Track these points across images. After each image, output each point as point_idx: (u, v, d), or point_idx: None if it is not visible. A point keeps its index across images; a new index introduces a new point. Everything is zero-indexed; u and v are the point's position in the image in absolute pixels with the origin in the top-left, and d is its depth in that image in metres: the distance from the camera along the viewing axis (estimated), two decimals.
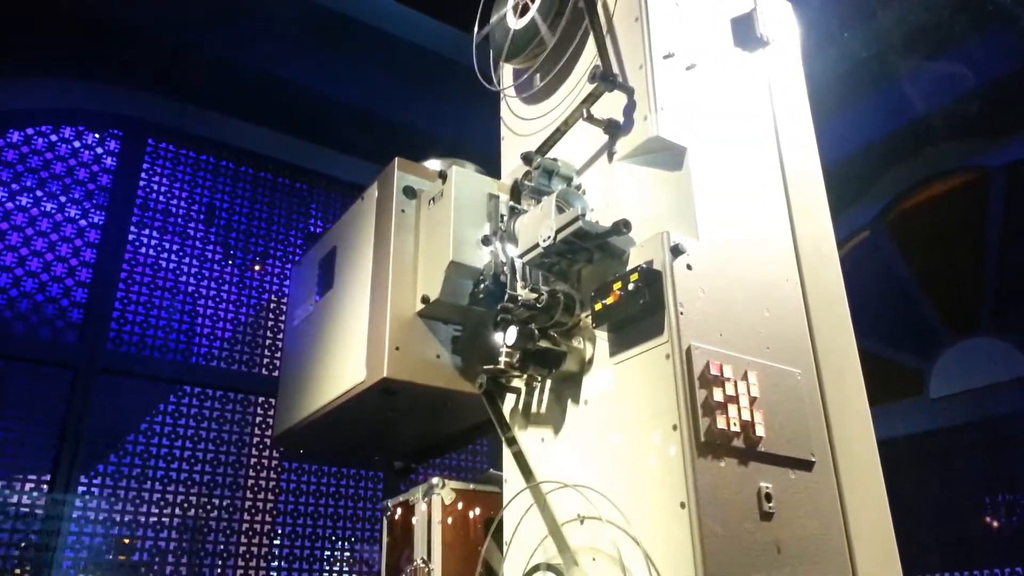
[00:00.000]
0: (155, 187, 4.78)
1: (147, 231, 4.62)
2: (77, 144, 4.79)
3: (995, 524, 5.52)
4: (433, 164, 2.83)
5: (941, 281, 6.02)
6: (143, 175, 4.76)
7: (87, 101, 4.79)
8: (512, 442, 2.21)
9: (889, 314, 6.02)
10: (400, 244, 2.59)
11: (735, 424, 1.78)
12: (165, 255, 4.59)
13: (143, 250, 4.52)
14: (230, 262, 4.80)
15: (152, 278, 4.44)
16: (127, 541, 3.85)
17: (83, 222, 4.50)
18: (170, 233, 4.67)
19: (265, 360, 4.52)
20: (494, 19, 2.74)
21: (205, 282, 4.64)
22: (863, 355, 2.28)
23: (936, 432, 5.67)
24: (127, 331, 4.24)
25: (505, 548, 2.12)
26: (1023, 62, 5.25)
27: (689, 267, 1.95)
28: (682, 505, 1.67)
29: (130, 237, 4.52)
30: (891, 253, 6.35)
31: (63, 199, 4.53)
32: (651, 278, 1.90)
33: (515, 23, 2.58)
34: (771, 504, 1.77)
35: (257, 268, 4.92)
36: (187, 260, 4.62)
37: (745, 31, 2.47)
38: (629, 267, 2.00)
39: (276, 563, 4.08)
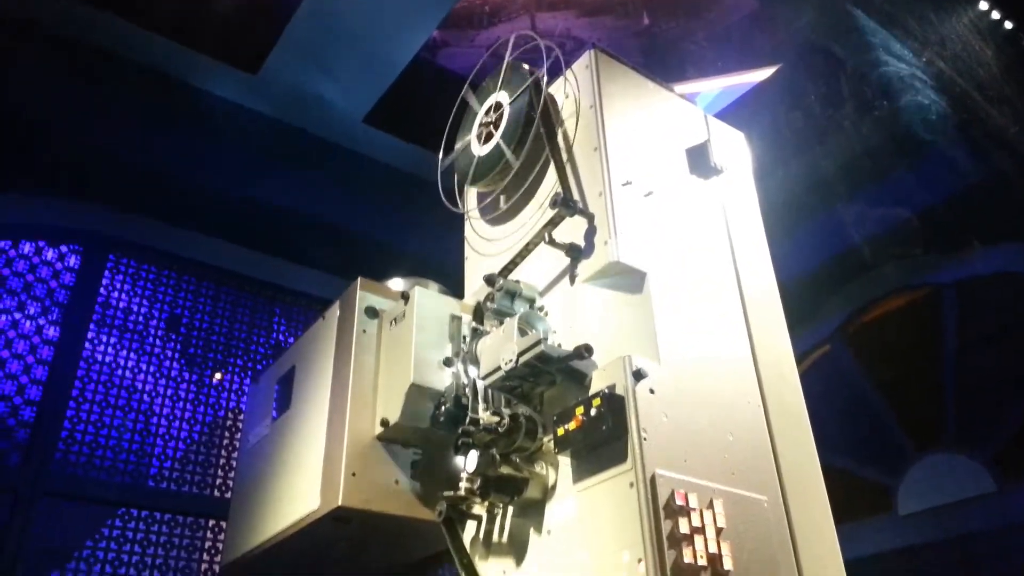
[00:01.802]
0: (114, 302, 4.72)
1: (103, 347, 4.52)
2: (36, 259, 4.74)
3: None
4: (396, 284, 2.83)
5: (904, 395, 6.10)
6: (102, 289, 4.70)
7: (48, 216, 4.78)
8: (471, 573, 2.12)
9: (854, 429, 6.05)
10: (360, 365, 2.55)
11: (702, 557, 1.73)
12: (120, 371, 4.48)
13: (97, 367, 4.41)
14: (187, 377, 4.70)
15: (105, 395, 4.31)
16: None
17: (36, 338, 4.40)
18: (127, 349, 4.57)
19: (218, 481, 4.36)
20: (459, 146, 2.82)
21: (160, 399, 4.52)
22: (828, 471, 2.26)
23: (906, 550, 5.60)
24: (75, 451, 4.07)
25: None
26: (959, 188, 5.54)
27: (652, 391, 1.94)
28: None
29: (85, 353, 4.41)
30: (851, 367, 6.43)
31: (17, 315, 4.44)
32: (614, 403, 1.88)
33: (479, 150, 2.65)
34: None
35: (218, 376, 4.80)
36: (142, 376, 4.51)
37: (700, 160, 2.56)
38: (592, 391, 1.98)
39: None
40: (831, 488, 2.23)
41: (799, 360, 2.50)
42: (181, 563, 4.03)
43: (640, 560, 1.69)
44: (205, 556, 4.10)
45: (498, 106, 2.65)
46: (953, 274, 5.96)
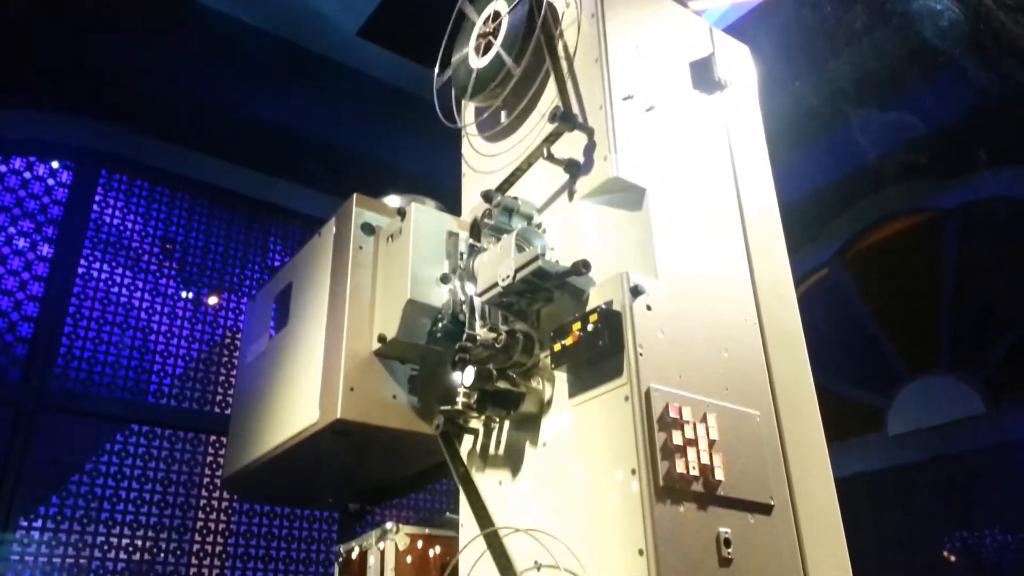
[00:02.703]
0: (108, 219, 4.67)
1: (98, 264, 4.50)
2: (28, 175, 4.67)
3: (952, 559, 5.57)
4: (392, 200, 2.80)
5: (899, 319, 6.13)
6: (95, 207, 4.65)
7: (39, 131, 4.69)
8: (467, 484, 2.16)
9: (848, 352, 6.10)
10: (357, 281, 2.54)
11: (694, 468, 1.76)
12: (116, 289, 4.47)
13: (93, 284, 4.39)
14: (184, 296, 4.69)
15: (102, 313, 4.31)
16: None
17: (31, 255, 4.37)
18: (122, 266, 4.55)
19: (217, 398, 4.40)
20: (456, 59, 2.74)
21: (157, 317, 4.52)
22: (822, 393, 2.29)
23: (894, 469, 5.72)
24: (74, 367, 4.10)
25: None
26: (970, 107, 5.42)
27: (648, 308, 1.94)
28: (640, 552, 1.63)
29: (80, 270, 4.40)
30: (849, 291, 6.45)
31: (11, 231, 4.40)
32: (610, 319, 1.88)
33: (477, 62, 2.58)
34: (730, 550, 1.74)
35: (213, 302, 4.81)
36: (139, 294, 4.50)
37: (703, 74, 2.50)
38: (588, 307, 1.98)
39: None
40: (823, 409, 2.26)
41: (799, 282, 2.49)
42: (183, 477, 4.11)
43: (634, 470, 1.72)
44: (207, 471, 4.18)
45: (496, 16, 2.57)
46: (957, 197, 5.90)
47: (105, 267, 4.51)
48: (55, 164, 4.73)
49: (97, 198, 4.68)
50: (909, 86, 5.31)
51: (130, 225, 4.76)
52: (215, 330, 4.70)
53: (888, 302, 6.22)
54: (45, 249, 4.41)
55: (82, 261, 4.43)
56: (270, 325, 3.05)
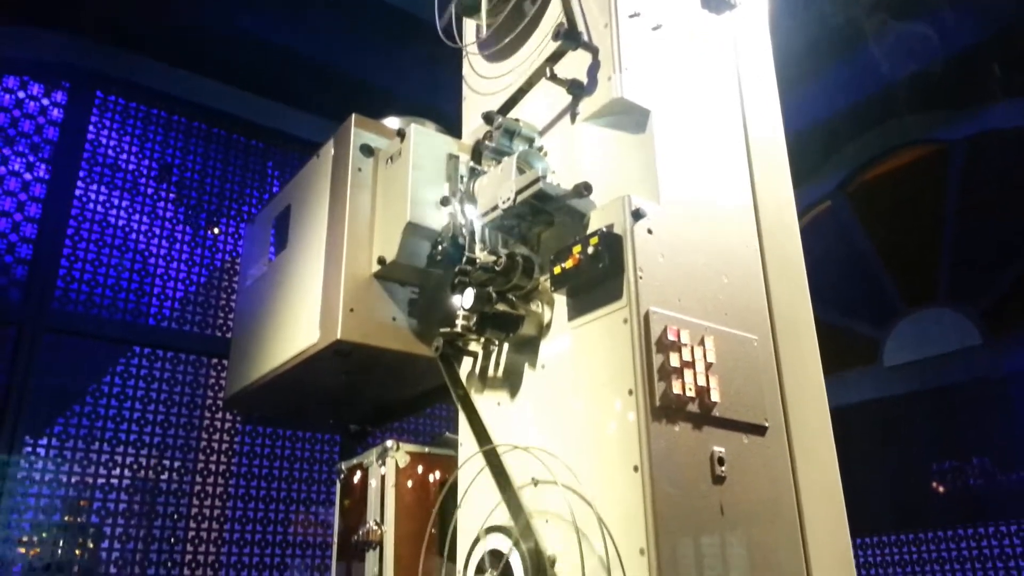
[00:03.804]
0: (104, 141, 4.61)
1: (95, 187, 4.46)
2: (22, 95, 4.59)
3: (941, 488, 5.70)
4: (392, 122, 2.76)
5: (899, 252, 6.12)
6: (91, 128, 4.59)
7: (33, 50, 4.59)
8: (466, 404, 2.19)
9: (847, 284, 6.11)
10: (356, 203, 2.52)
11: (690, 389, 1.77)
12: (114, 212, 4.44)
13: (91, 206, 4.37)
14: (183, 221, 4.67)
15: (100, 235, 4.29)
16: (81, 503, 3.78)
17: (28, 176, 4.33)
18: (119, 189, 4.51)
19: (218, 321, 4.43)
20: None
21: (156, 240, 4.51)
22: (820, 324, 2.29)
23: (888, 399, 5.80)
24: (74, 289, 4.11)
25: (458, 510, 2.11)
26: (987, 34, 5.29)
27: (650, 231, 1.92)
28: (635, 468, 1.66)
29: (77, 192, 4.36)
30: (851, 223, 6.42)
31: (7, 151, 4.35)
32: (611, 242, 1.87)
33: None
34: (723, 468, 1.77)
35: (211, 225, 4.78)
36: (137, 217, 4.48)
37: None
38: (589, 231, 1.97)
39: (229, 525, 4.04)
40: (820, 340, 2.27)
41: (801, 215, 2.47)
42: (185, 398, 4.16)
43: (631, 391, 1.74)
44: (209, 392, 4.24)
45: None
46: (966, 129, 5.81)
47: (103, 189, 4.48)
48: (49, 84, 4.64)
49: (93, 119, 4.60)
50: (926, 10, 5.16)
51: (126, 148, 4.70)
52: (214, 254, 4.69)
53: (889, 235, 6.19)
54: (42, 170, 4.36)
55: (79, 183, 4.39)
56: (269, 248, 3.04)
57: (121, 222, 4.44)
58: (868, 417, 5.74)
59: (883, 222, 6.24)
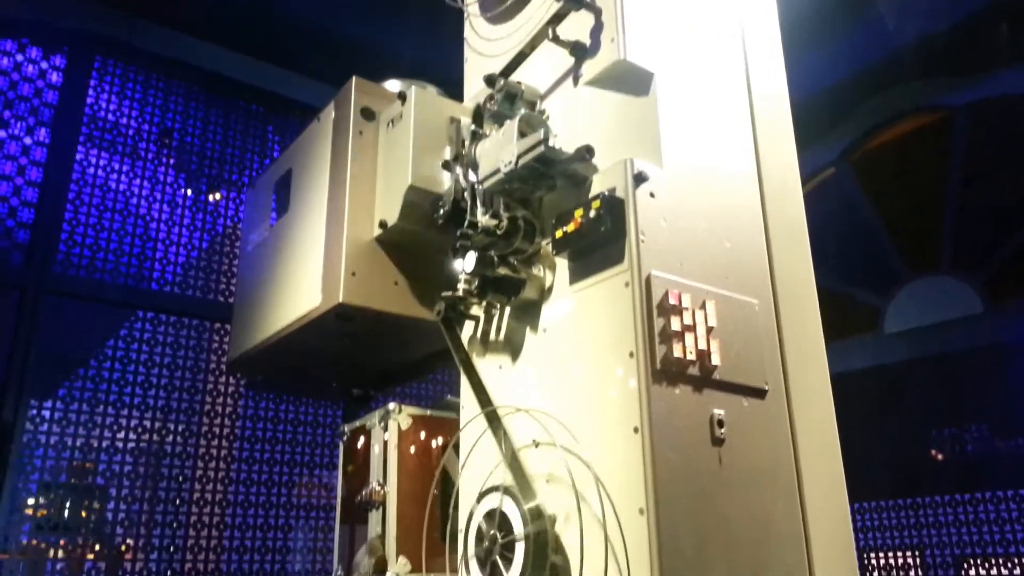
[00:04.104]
0: (103, 105, 4.58)
1: (96, 151, 4.44)
2: (20, 58, 4.55)
3: (939, 455, 5.74)
4: (393, 85, 2.73)
5: (903, 220, 6.09)
6: (91, 92, 4.55)
7: (31, 12, 4.54)
8: (468, 368, 2.20)
9: (849, 252, 6.10)
10: (357, 167, 2.52)
11: (691, 352, 1.78)
12: (115, 176, 4.43)
13: (91, 170, 4.35)
14: (184, 186, 4.66)
15: (102, 199, 4.29)
16: (86, 465, 3.82)
17: (28, 140, 4.31)
18: (120, 154, 4.49)
19: (221, 286, 4.44)
20: None
21: (157, 205, 4.50)
22: (821, 292, 2.30)
23: (888, 367, 5.82)
24: (76, 253, 4.11)
25: (460, 472, 2.13)
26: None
27: (652, 195, 1.92)
28: (635, 430, 1.68)
29: (78, 157, 4.34)
30: (854, 191, 6.39)
31: (7, 115, 4.32)
32: (613, 206, 1.87)
33: None
34: (723, 430, 1.78)
35: (212, 191, 4.77)
36: (138, 182, 4.47)
37: None
38: (591, 194, 1.96)
39: (234, 488, 4.09)
40: (821, 308, 2.27)
41: (804, 182, 2.46)
42: (189, 362, 4.19)
43: (631, 354, 1.74)
44: (212, 357, 4.26)
45: None
46: (971, 95, 5.75)
47: (103, 155, 4.46)
48: (47, 47, 4.60)
49: (92, 83, 4.57)
50: None
51: (126, 111, 4.67)
52: (216, 219, 4.69)
53: (892, 202, 6.17)
54: (42, 134, 4.34)
55: (79, 147, 4.37)
56: (271, 212, 3.04)
57: (122, 187, 4.44)
58: (869, 384, 5.76)
59: (886, 189, 6.21)
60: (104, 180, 4.37)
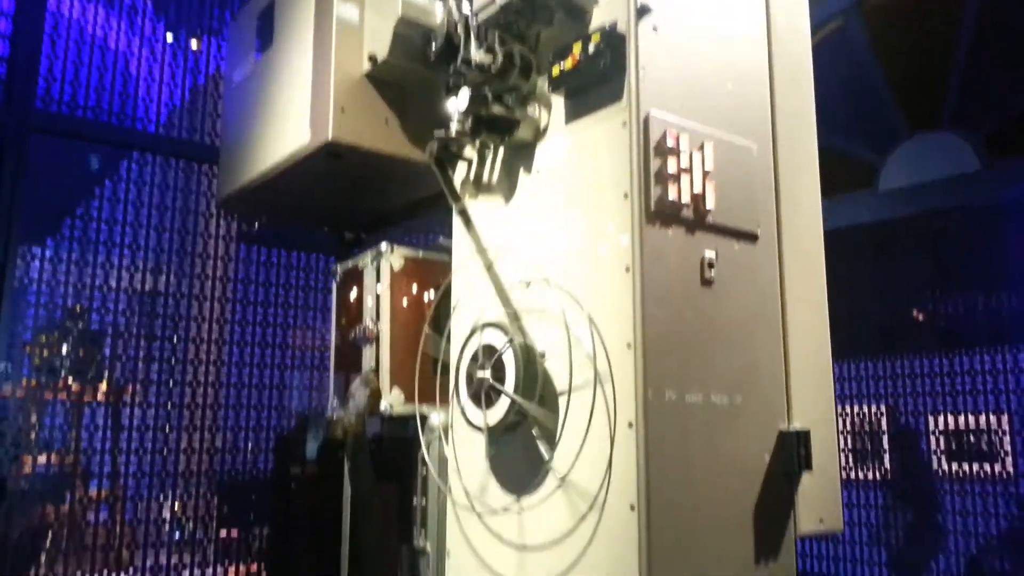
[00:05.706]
0: None
1: None
2: None
3: (919, 316, 5.85)
4: None
5: (909, 76, 5.91)
6: None
7: None
8: (460, 208, 2.19)
9: (850, 107, 5.95)
10: None
11: (686, 195, 1.76)
12: (92, 9, 4.20)
13: (66, 2, 4.12)
14: (162, 25, 4.43)
15: (80, 32, 4.09)
16: (80, 305, 3.86)
17: None
18: None
19: (207, 127, 4.32)
20: None
21: (136, 41, 4.30)
22: (819, 148, 2.25)
23: (881, 223, 5.81)
24: (56, 89, 3.96)
25: (452, 310, 2.16)
26: None
27: (655, 29, 1.84)
28: (627, 269, 1.69)
29: None
30: (861, 43, 6.15)
31: None
32: (613, 40, 1.80)
33: None
34: (712, 272, 1.80)
35: (192, 34, 4.54)
36: (116, 14, 4.25)
37: None
38: (591, 28, 1.88)
39: (229, 327, 4.16)
40: (819, 163, 2.23)
41: (814, 31, 2.36)
42: (178, 203, 4.14)
43: (626, 194, 1.73)
44: (202, 199, 4.21)
45: None
46: None
47: None
48: None
49: None
50: None
51: None
52: (198, 57, 4.50)
53: (899, 57, 5.95)
54: None
55: None
56: (255, 46, 2.91)
57: (100, 20, 4.22)
58: (860, 240, 5.77)
59: (894, 44, 5.98)
60: (81, 12, 4.15)
